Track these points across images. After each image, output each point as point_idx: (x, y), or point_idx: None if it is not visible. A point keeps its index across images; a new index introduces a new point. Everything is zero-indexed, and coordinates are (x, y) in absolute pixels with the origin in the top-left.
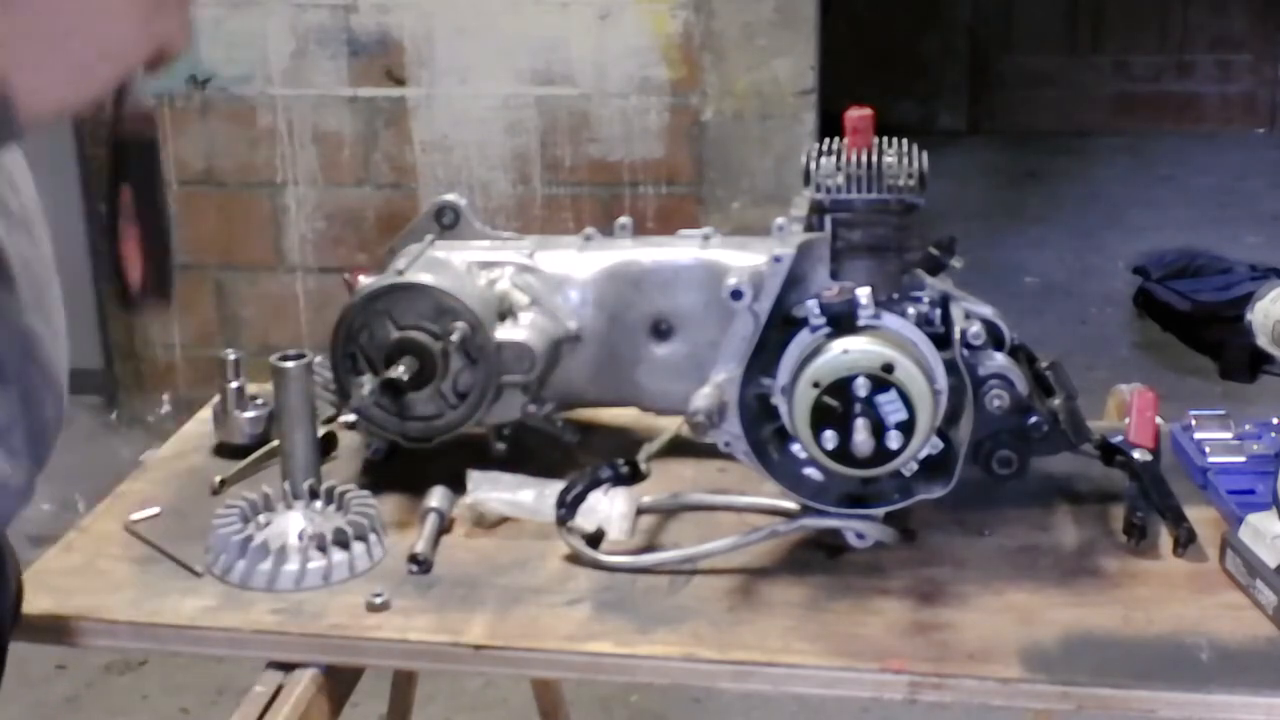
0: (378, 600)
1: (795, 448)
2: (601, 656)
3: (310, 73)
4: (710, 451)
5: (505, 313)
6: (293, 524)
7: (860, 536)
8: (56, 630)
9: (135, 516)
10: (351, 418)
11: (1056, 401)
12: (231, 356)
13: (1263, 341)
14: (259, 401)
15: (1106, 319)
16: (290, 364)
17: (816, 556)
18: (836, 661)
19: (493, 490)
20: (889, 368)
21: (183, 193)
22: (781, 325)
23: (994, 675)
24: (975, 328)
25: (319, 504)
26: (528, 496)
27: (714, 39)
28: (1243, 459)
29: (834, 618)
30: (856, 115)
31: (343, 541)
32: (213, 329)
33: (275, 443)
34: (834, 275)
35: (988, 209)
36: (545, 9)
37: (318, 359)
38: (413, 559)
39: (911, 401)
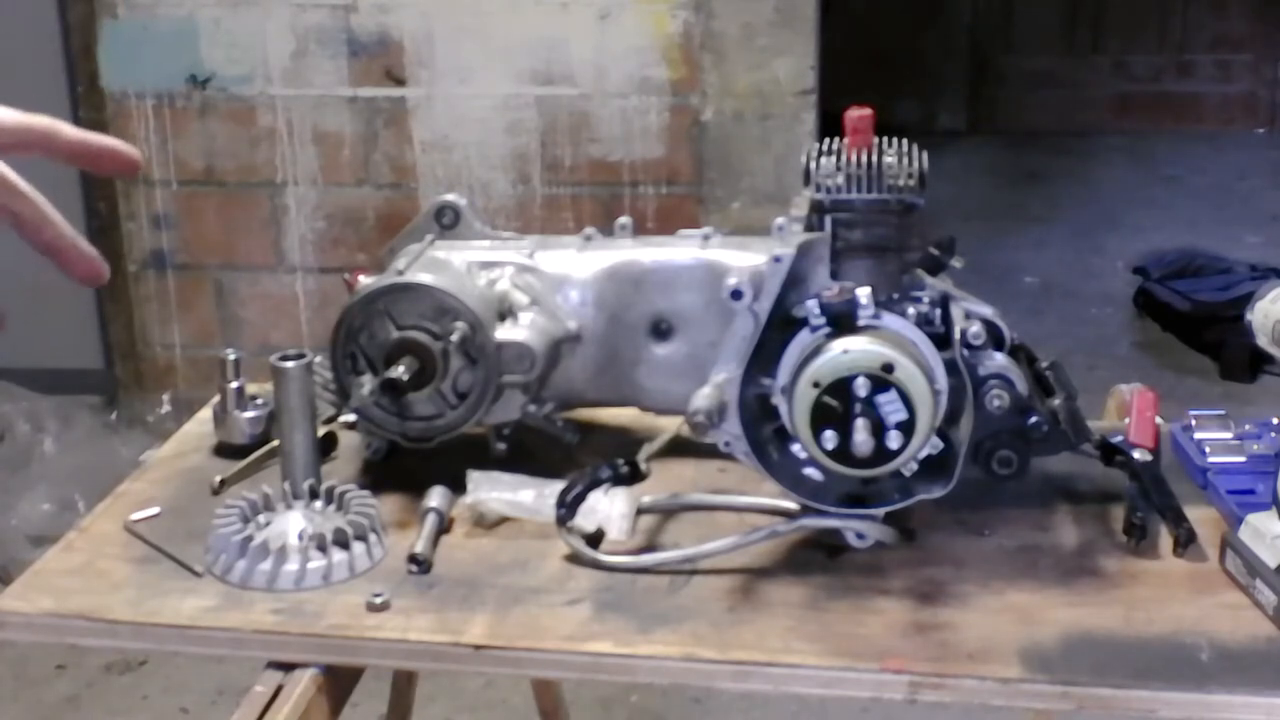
0: (378, 600)
1: (795, 448)
2: (601, 656)
3: (310, 73)
4: (710, 451)
5: (505, 313)
6: (293, 524)
7: (860, 536)
8: (56, 630)
9: (135, 516)
10: (351, 418)
11: (1056, 401)
12: (231, 356)
13: (1263, 341)
14: (259, 401)
15: (1106, 319)
16: (290, 364)
17: (816, 556)
18: (836, 661)
19: (493, 490)
20: (889, 368)
21: (183, 193)
22: (781, 325)
23: (994, 675)
24: (975, 328)
25: (319, 504)
26: (528, 496)
27: (714, 39)
28: (1243, 459)
29: (834, 618)
30: (856, 115)
31: (343, 541)
32: (213, 329)
33: (275, 443)
34: (834, 275)
35: (988, 209)
36: (545, 9)
37: (318, 359)
38: (412, 559)
39: (911, 401)
